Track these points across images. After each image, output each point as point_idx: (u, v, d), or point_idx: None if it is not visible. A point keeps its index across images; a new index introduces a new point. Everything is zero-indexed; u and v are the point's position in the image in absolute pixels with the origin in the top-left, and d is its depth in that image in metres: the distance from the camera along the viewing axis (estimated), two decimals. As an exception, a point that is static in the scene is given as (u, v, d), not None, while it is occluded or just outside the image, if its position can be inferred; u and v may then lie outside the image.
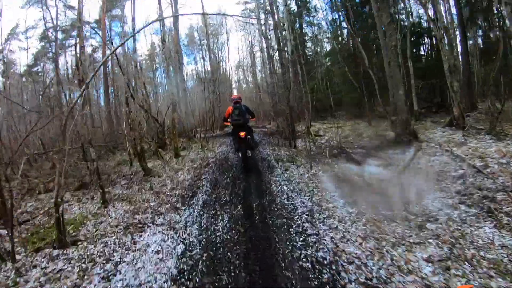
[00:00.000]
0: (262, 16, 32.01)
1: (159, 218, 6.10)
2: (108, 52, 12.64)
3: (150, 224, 5.77)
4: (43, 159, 13.24)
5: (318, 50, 30.33)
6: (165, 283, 3.71)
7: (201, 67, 37.11)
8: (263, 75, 39.35)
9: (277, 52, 24.38)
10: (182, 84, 20.76)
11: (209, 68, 32.99)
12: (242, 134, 8.85)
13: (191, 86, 37.26)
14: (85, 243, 5.06)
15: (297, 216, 5.47)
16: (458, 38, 16.47)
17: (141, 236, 5.24)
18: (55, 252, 4.70)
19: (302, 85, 22.42)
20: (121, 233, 5.44)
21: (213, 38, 38.80)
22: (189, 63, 45.26)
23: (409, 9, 20.26)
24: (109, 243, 5.01)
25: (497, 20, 17.71)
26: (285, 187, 7.34)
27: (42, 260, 4.53)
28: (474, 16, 17.86)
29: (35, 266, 4.35)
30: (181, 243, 4.78)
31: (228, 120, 9.36)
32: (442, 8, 15.99)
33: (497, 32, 17.45)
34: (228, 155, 13.00)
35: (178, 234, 5.19)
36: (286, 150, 13.16)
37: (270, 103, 29.44)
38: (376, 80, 15.88)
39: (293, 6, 27.87)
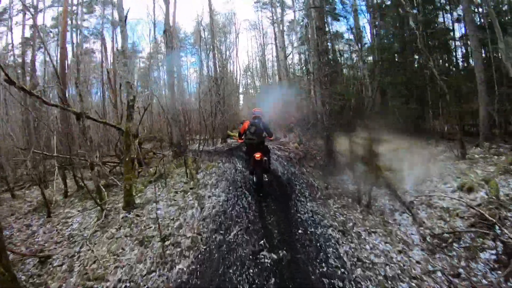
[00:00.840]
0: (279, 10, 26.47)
1: None
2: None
3: None
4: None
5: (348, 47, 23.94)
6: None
7: (206, 67, 30.99)
8: (274, 79, 33.79)
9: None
10: (171, 78, 14.28)
11: (215, 66, 26.56)
12: (257, 156, 7.40)
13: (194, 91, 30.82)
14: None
15: None
16: None
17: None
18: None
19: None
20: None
21: (220, 36, 33.07)
22: (194, 64, 38.37)
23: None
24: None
25: None
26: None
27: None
28: None
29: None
30: None
31: (243, 137, 8.09)
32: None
33: None
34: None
35: None
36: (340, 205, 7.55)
37: (284, 111, 23.89)
38: (438, 87, 12.14)
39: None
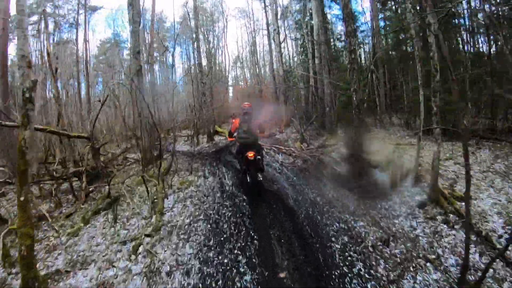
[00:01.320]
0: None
1: None
2: None
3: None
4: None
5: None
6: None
7: (192, 59, 27.63)
8: (267, 70, 30.65)
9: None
10: (136, 63, 10.73)
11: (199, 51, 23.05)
12: (251, 155, 6.71)
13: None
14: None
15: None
16: None
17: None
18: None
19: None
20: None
21: (208, 24, 29.80)
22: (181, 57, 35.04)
23: None
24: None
25: None
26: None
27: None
28: None
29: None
30: None
31: (234, 135, 7.36)
32: None
33: None
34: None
35: None
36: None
37: (277, 102, 21.01)
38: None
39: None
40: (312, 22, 19.38)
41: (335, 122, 13.95)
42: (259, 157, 7.01)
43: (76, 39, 22.71)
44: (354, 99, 7.58)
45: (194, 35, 19.75)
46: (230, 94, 44.71)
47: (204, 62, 24.85)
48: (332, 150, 11.08)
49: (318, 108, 16.27)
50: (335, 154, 9.98)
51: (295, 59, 25.45)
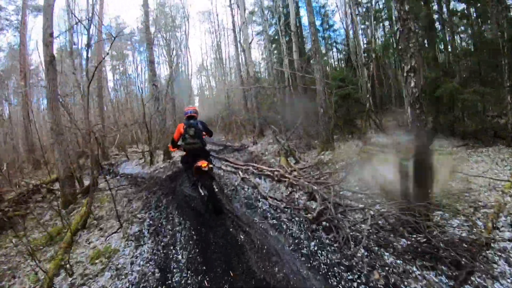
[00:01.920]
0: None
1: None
2: None
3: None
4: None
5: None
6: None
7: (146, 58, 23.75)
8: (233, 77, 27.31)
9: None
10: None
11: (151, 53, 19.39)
12: (204, 165, 5.46)
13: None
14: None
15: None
16: None
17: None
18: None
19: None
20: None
21: (169, 30, 26.20)
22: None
23: None
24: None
25: None
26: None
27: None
28: None
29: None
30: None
31: (179, 144, 6.19)
32: None
33: None
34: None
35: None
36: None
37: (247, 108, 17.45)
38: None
39: None
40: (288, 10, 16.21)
41: (330, 129, 10.44)
42: (211, 166, 5.84)
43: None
44: (412, 84, 3.99)
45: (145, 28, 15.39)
46: (196, 103, 41.28)
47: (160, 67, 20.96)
48: (336, 171, 7.56)
49: (300, 111, 12.73)
50: (352, 182, 6.40)
51: (262, 64, 22.20)
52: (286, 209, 5.44)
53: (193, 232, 4.87)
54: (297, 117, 12.72)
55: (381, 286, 3.02)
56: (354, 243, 3.79)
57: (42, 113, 22.56)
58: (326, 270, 3.42)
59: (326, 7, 21.22)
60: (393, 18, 4.31)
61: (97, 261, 4.20)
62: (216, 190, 6.44)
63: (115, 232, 5.24)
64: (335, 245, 3.93)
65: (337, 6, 20.30)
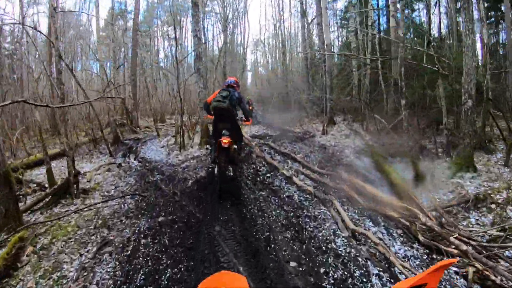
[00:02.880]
0: None
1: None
2: None
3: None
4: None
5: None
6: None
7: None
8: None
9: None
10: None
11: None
12: (225, 141, 4.62)
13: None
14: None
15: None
16: None
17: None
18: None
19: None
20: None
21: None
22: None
23: None
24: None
25: None
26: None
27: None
28: None
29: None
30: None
31: (210, 108, 5.10)
32: None
33: None
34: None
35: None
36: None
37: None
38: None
39: None
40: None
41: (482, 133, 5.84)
42: (235, 147, 4.99)
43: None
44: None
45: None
46: (249, 80, 36.89)
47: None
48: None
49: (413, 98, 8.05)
50: None
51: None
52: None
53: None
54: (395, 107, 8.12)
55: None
56: None
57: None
58: None
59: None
60: None
61: None
62: (231, 174, 5.16)
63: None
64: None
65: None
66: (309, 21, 18.78)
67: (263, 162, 6.69)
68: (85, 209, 4.66)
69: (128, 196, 5.14)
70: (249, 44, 30.78)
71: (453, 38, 11.28)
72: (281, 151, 7.68)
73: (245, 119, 5.42)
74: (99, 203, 4.78)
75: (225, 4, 21.02)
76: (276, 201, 4.57)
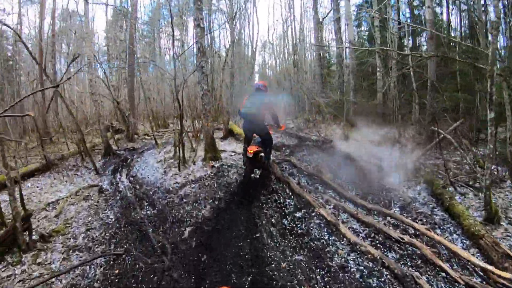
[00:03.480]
0: None
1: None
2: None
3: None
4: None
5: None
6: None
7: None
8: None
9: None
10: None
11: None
12: (250, 151, 4.99)
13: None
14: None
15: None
16: None
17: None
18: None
19: None
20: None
21: None
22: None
23: None
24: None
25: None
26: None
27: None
28: None
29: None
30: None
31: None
32: None
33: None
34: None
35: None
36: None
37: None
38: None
39: None
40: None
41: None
42: (262, 155, 5.24)
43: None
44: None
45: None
46: (256, 81, 35.09)
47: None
48: None
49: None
50: None
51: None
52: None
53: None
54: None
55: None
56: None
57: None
58: None
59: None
60: None
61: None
62: (257, 177, 5.30)
63: None
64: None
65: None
66: (322, 18, 16.95)
67: (287, 191, 4.93)
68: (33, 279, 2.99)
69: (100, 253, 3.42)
70: (258, 45, 29.04)
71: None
72: (307, 171, 5.90)
73: (276, 124, 5.38)
74: (48, 279, 3.04)
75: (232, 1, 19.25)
76: (324, 278, 2.80)
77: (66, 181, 6.72)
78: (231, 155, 7.50)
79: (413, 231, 3.66)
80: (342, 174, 5.97)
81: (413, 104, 9.20)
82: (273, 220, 3.95)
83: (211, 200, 4.65)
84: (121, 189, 5.92)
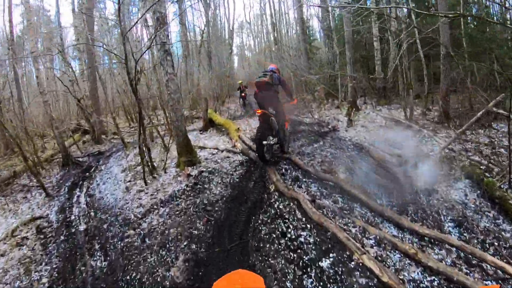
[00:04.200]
0: None
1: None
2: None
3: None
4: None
5: None
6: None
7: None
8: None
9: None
10: None
11: None
12: (258, 112, 4.78)
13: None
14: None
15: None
16: None
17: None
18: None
19: None
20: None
21: None
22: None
23: None
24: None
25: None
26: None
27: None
28: None
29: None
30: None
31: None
32: None
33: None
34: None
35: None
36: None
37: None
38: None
39: None
40: None
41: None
42: (273, 118, 4.74)
43: None
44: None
45: None
46: (235, 64, 33.34)
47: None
48: None
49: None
50: None
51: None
52: None
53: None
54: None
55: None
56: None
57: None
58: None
59: None
60: None
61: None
62: (272, 143, 4.80)
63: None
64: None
65: None
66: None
67: (298, 214, 3.35)
68: None
69: None
70: (234, 26, 26.88)
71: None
72: (315, 174, 4.33)
73: (289, 99, 5.39)
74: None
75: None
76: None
77: (10, 210, 5.05)
78: (213, 154, 5.89)
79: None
80: (360, 173, 4.46)
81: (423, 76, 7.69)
82: (288, 284, 2.38)
83: (185, 243, 3.05)
84: (72, 218, 4.31)
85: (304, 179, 4.22)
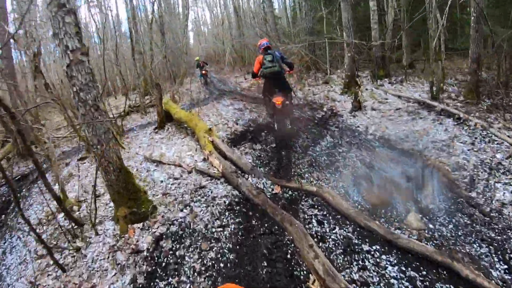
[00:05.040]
0: None
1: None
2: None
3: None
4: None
5: None
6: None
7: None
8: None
9: None
10: None
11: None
12: (278, 102, 4.47)
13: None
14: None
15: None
16: None
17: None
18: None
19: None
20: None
21: None
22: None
23: None
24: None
25: None
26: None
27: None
28: None
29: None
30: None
31: (259, 74, 4.90)
32: None
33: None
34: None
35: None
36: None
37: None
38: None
39: None
40: None
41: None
42: (287, 102, 4.75)
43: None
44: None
45: None
46: (191, 40, 30.33)
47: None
48: None
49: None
50: None
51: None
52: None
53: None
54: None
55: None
56: None
57: None
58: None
59: None
60: None
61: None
62: (289, 127, 4.87)
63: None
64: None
65: None
66: None
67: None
68: None
69: None
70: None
71: None
72: (388, 239, 2.15)
73: (289, 69, 5.09)
74: None
75: None
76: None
77: None
78: (175, 180, 3.67)
79: None
80: (448, 218, 2.40)
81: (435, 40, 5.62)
82: None
83: None
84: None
85: (364, 247, 2.06)
